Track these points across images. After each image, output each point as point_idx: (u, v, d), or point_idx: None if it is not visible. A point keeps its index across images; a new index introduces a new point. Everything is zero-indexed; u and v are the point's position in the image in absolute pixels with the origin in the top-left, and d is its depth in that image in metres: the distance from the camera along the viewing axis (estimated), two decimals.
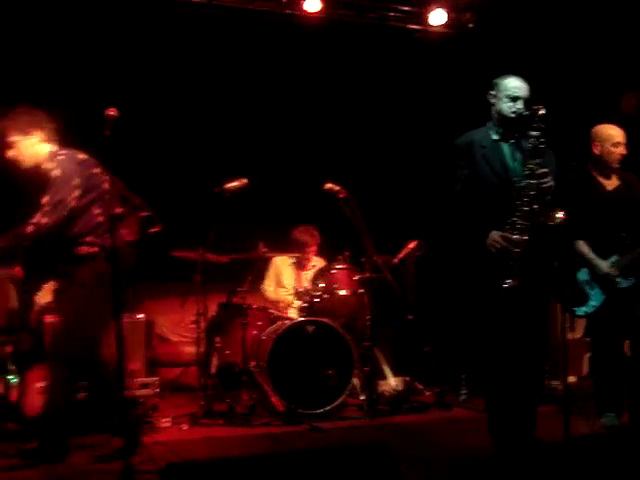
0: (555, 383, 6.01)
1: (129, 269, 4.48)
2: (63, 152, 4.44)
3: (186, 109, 7.26)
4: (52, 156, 4.42)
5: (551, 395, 5.68)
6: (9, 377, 5.09)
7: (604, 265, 4.85)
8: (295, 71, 7.54)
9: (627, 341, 4.97)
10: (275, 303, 6.66)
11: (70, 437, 4.38)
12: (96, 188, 4.41)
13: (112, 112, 3.85)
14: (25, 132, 4.41)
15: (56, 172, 4.33)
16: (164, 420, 5.34)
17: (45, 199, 4.26)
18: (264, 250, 6.21)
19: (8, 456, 4.34)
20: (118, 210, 4.18)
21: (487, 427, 4.12)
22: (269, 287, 6.80)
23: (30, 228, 4.23)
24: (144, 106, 6.73)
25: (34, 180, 4.43)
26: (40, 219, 4.23)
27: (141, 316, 5.91)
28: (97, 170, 4.45)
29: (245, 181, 5.89)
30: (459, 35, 7.70)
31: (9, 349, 5.19)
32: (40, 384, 4.72)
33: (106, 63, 6.80)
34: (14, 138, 4.41)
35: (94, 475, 4.07)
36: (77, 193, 4.32)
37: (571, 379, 6.06)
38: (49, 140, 4.48)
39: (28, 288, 5.19)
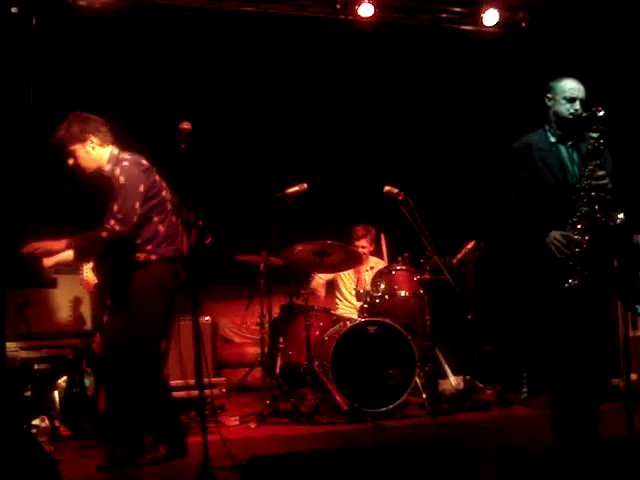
0: (616, 381, 6.01)
1: (179, 281, 4.53)
2: (127, 157, 4.46)
3: (246, 116, 7.43)
4: (115, 161, 4.45)
5: (613, 393, 5.71)
6: (84, 378, 5.33)
7: None
8: (352, 75, 7.65)
9: None
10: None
11: (144, 436, 4.51)
12: (157, 196, 4.47)
13: (186, 125, 3.93)
14: (81, 139, 4.42)
15: (122, 179, 4.35)
16: (232, 419, 5.51)
17: (115, 207, 4.29)
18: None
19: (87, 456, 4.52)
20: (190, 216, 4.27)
21: (550, 424, 4.17)
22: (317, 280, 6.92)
23: (105, 233, 4.27)
24: (204, 114, 6.90)
25: (100, 184, 4.49)
26: (114, 225, 4.27)
27: (207, 318, 6.08)
28: (158, 177, 4.52)
29: (305, 186, 6.04)
30: (513, 35, 7.73)
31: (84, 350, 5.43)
32: None
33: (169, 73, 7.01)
34: (72, 147, 4.43)
35: (170, 472, 4.24)
36: (142, 200, 4.37)
37: (633, 377, 6.04)
38: (106, 143, 4.50)
39: (101, 291, 5.38)
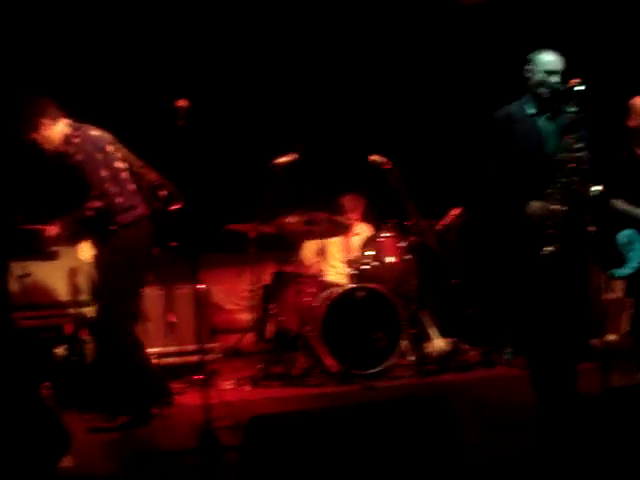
0: (594, 341, 6.25)
1: (148, 243, 4.74)
2: (77, 133, 4.56)
3: (237, 87, 7.51)
4: (67, 140, 4.56)
5: (590, 353, 5.95)
6: (83, 346, 5.49)
7: None
8: (339, 46, 7.72)
9: None
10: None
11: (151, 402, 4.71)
12: (110, 167, 4.58)
13: (183, 103, 4.05)
14: (34, 126, 4.53)
15: (78, 156, 4.50)
16: (227, 383, 5.72)
17: (89, 184, 4.47)
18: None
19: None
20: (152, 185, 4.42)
21: (530, 383, 4.37)
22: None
23: (90, 212, 4.49)
24: (195, 84, 6.98)
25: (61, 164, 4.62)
26: (94, 202, 4.48)
27: (202, 286, 6.23)
28: (110, 148, 4.64)
29: (295, 156, 6.18)
30: (499, 3, 7.80)
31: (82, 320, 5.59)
32: None
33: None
34: (29, 137, 4.55)
35: (174, 430, 4.46)
36: (105, 166, 4.53)
37: (611, 337, 6.27)
38: (57, 121, 4.58)
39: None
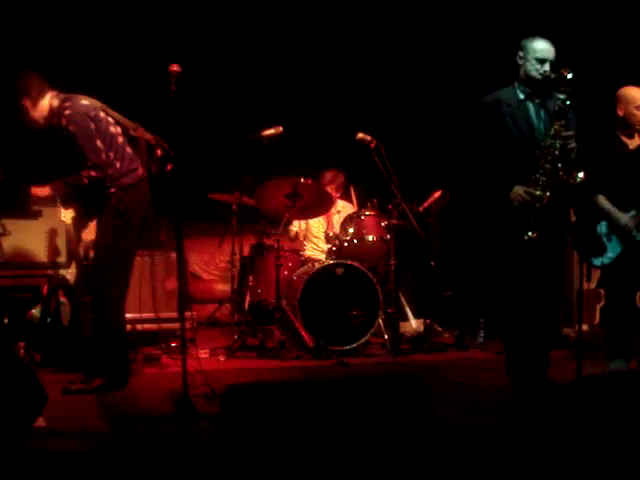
0: (567, 330, 6.34)
1: (147, 205, 4.74)
2: (67, 105, 4.51)
3: (225, 57, 7.49)
4: (57, 112, 4.52)
5: (563, 341, 6.05)
6: (59, 308, 5.48)
7: (623, 217, 5.06)
8: (328, 19, 7.72)
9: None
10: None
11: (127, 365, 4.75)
12: (106, 133, 4.57)
13: (175, 68, 4.02)
14: (19, 107, 4.51)
15: (71, 127, 4.46)
16: (202, 352, 5.73)
17: (85, 154, 4.45)
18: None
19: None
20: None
21: (504, 366, 4.43)
22: (294, 227, 7.12)
23: (85, 180, 4.48)
24: (183, 53, 6.95)
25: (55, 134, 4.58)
26: (90, 172, 4.46)
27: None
28: (102, 115, 4.61)
29: (280, 129, 6.16)
30: None
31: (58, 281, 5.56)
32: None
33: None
34: (20, 108, 4.52)
35: (151, 396, 4.47)
36: (99, 137, 4.50)
37: (583, 327, 6.36)
38: (41, 95, 4.54)
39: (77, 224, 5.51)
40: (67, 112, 4.50)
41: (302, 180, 6.04)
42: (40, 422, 3.49)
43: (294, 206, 6.10)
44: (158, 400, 4.32)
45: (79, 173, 4.48)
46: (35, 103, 4.53)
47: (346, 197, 7.23)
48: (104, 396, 4.44)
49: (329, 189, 6.79)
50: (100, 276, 4.61)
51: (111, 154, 4.56)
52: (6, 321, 5.34)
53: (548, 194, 4.16)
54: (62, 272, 5.52)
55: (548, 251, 4.29)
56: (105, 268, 4.60)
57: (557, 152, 4.18)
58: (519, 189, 4.19)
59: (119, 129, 4.69)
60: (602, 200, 5.11)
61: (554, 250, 4.36)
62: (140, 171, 4.70)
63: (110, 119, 4.66)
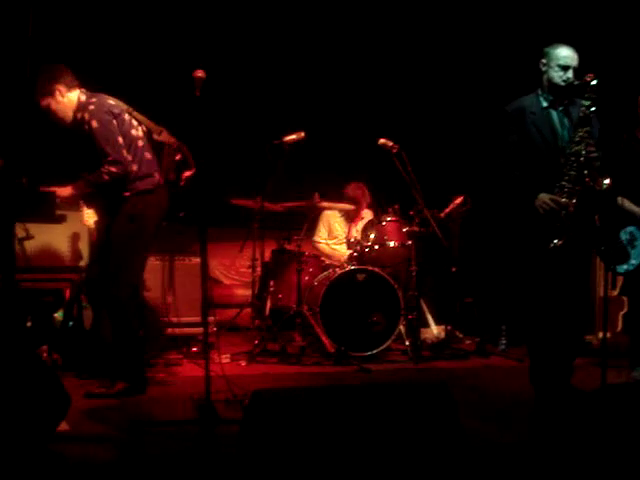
0: (589, 337, 6.28)
1: (161, 213, 4.73)
2: (93, 101, 4.57)
3: (247, 63, 7.51)
4: (83, 107, 4.57)
5: (586, 349, 5.98)
6: (82, 312, 5.50)
7: None
8: (351, 27, 7.73)
9: None
10: (327, 256, 6.99)
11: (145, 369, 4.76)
12: (127, 136, 4.60)
13: (200, 74, 4.03)
14: (49, 91, 4.55)
15: (94, 123, 4.50)
16: (224, 356, 5.72)
17: (105, 151, 4.47)
18: (318, 201, 6.52)
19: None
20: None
21: (525, 375, 4.40)
22: (321, 239, 7.12)
23: (106, 177, 4.49)
24: (207, 58, 6.98)
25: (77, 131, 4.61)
26: (110, 168, 4.48)
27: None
28: (126, 117, 4.65)
29: (302, 134, 6.18)
30: None
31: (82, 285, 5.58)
32: None
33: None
34: (44, 102, 4.57)
35: (172, 400, 4.48)
36: (121, 134, 4.54)
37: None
38: (73, 87, 4.61)
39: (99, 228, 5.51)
40: (92, 107, 4.56)
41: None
42: (63, 426, 3.51)
43: None
44: (180, 405, 4.32)
45: (99, 170, 4.50)
46: (67, 91, 4.58)
47: (370, 206, 7.23)
48: (126, 400, 4.45)
49: (354, 202, 6.85)
50: (115, 281, 4.60)
51: (130, 156, 4.59)
52: (29, 324, 5.37)
53: (574, 201, 4.14)
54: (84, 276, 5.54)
55: (573, 258, 4.26)
56: (120, 273, 4.59)
57: (582, 159, 4.15)
58: (545, 196, 4.16)
59: (140, 133, 4.71)
60: (628, 203, 5.09)
61: (579, 257, 4.33)
62: (157, 178, 4.70)
63: (134, 122, 4.69)
